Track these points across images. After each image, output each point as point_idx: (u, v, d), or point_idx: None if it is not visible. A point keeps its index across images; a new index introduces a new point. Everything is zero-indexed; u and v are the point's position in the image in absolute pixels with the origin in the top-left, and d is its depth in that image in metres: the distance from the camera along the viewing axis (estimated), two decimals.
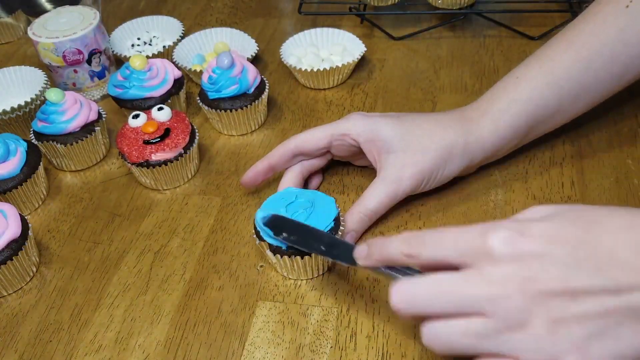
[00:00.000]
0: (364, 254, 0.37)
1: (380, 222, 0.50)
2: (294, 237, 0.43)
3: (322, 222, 0.45)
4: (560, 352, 0.30)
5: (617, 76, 0.48)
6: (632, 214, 0.31)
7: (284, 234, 0.43)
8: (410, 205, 0.51)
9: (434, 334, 0.32)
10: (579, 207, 0.33)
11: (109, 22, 0.81)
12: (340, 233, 0.46)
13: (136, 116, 0.56)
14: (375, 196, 0.48)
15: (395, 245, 0.34)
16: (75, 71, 0.66)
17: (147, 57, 0.67)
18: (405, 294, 0.32)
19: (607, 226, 0.31)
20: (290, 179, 0.52)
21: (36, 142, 0.59)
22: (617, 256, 0.30)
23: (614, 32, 0.47)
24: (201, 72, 0.66)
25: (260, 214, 0.45)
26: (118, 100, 0.63)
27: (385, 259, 0.36)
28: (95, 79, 0.68)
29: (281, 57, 0.66)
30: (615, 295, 0.29)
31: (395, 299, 0.32)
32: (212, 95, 0.60)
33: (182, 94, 0.64)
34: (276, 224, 0.44)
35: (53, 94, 0.57)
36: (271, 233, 0.44)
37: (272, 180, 0.56)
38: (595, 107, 0.52)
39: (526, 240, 0.30)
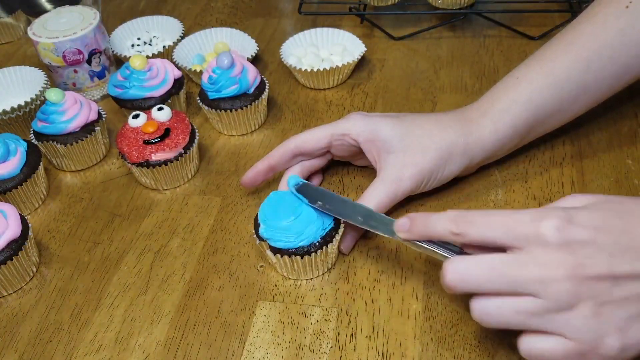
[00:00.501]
0: (406, 227, 0.39)
1: None
2: (330, 206, 0.44)
3: (322, 222, 0.45)
4: (604, 332, 0.32)
5: (617, 76, 0.48)
6: None
7: (319, 202, 0.44)
8: (410, 205, 0.51)
9: (485, 310, 0.35)
10: (614, 197, 0.35)
11: (109, 22, 0.81)
12: (340, 233, 0.46)
13: (136, 116, 0.56)
14: (375, 196, 0.47)
15: (443, 222, 0.36)
16: (75, 71, 0.66)
17: (147, 57, 0.67)
18: (459, 272, 0.35)
19: None
20: None
21: (36, 142, 0.59)
22: None
23: (614, 32, 0.47)
24: (201, 72, 0.66)
25: (293, 181, 0.46)
26: (118, 100, 0.63)
27: (429, 235, 0.38)
28: (95, 79, 0.68)
29: (281, 57, 0.66)
30: None
31: (449, 277, 0.35)
32: (212, 95, 0.60)
33: (182, 94, 0.64)
34: (309, 192, 0.45)
35: (53, 94, 0.57)
36: (306, 200, 0.45)
37: (272, 180, 0.56)
38: (595, 107, 0.52)
39: (575, 228, 0.33)
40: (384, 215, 0.43)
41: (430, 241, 0.39)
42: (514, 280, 0.33)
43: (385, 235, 0.42)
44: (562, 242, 0.33)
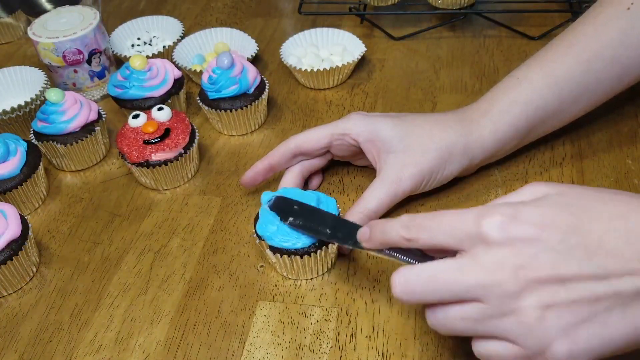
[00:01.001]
0: (366, 236, 0.38)
1: None
2: (300, 222, 0.44)
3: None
4: (550, 337, 0.31)
5: (618, 78, 0.48)
6: (625, 201, 0.32)
7: (291, 219, 0.44)
8: (410, 206, 0.51)
9: (435, 319, 0.34)
10: (574, 190, 0.33)
11: (109, 22, 0.81)
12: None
13: (136, 116, 0.56)
14: (375, 196, 0.47)
15: (396, 229, 0.35)
16: (75, 71, 0.66)
17: (147, 57, 0.67)
18: (404, 284, 0.34)
19: (598, 214, 0.31)
20: (290, 179, 0.52)
21: (36, 142, 0.59)
22: (606, 244, 0.30)
23: (615, 34, 0.47)
24: (201, 72, 0.66)
25: (266, 198, 0.45)
26: (118, 100, 0.63)
27: (386, 242, 0.37)
28: (95, 79, 0.68)
29: (281, 57, 0.66)
30: (604, 282, 0.30)
31: (396, 290, 0.34)
32: (212, 95, 0.60)
33: (182, 94, 0.64)
34: (282, 207, 0.45)
35: (53, 94, 0.57)
36: (278, 218, 0.44)
37: (272, 180, 0.56)
38: (595, 107, 0.52)
39: (519, 225, 0.31)
40: (354, 223, 0.42)
41: (395, 248, 0.37)
42: (455, 288, 0.32)
43: (352, 248, 0.41)
44: (504, 241, 0.31)
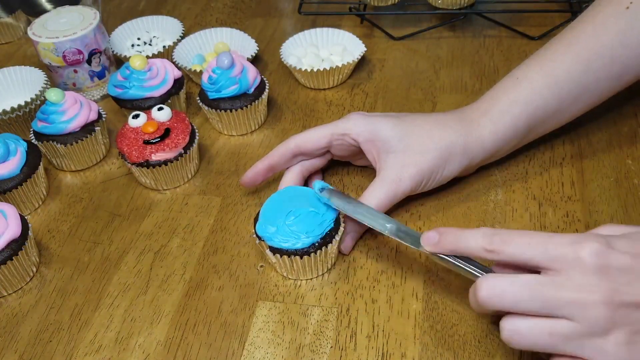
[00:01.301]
0: (434, 240, 0.39)
1: None
2: (359, 214, 0.44)
3: (321, 222, 0.45)
4: None
5: (617, 77, 0.48)
6: None
7: (348, 207, 0.45)
8: (410, 205, 0.51)
9: (517, 330, 0.34)
10: None
11: (109, 22, 0.81)
12: (339, 234, 0.46)
13: (136, 116, 0.56)
14: (375, 196, 0.47)
15: (476, 238, 0.36)
16: (75, 71, 0.66)
17: (147, 57, 0.67)
18: (495, 289, 0.34)
19: None
20: (290, 179, 0.52)
21: (36, 142, 0.59)
22: None
23: (614, 33, 0.47)
24: (201, 72, 0.66)
25: (318, 185, 0.46)
26: (118, 100, 0.63)
27: (459, 250, 0.38)
28: (95, 79, 0.68)
29: (281, 57, 0.66)
30: None
31: (484, 293, 0.35)
32: (212, 95, 0.60)
33: (182, 94, 0.64)
34: (335, 196, 0.45)
35: (53, 94, 0.57)
36: (333, 204, 0.45)
37: (272, 180, 0.56)
38: (595, 107, 0.52)
39: (614, 254, 0.33)
40: (409, 228, 0.43)
41: (456, 256, 0.39)
42: (550, 301, 0.33)
43: (410, 246, 0.42)
44: (600, 267, 0.33)
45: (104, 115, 0.61)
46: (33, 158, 0.56)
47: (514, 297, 0.34)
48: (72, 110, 0.58)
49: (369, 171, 0.55)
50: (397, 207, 0.50)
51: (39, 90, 0.64)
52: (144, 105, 0.61)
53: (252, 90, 0.60)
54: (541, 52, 0.50)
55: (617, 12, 0.47)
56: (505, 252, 0.35)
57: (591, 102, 0.50)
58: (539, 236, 0.35)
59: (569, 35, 0.49)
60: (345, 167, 0.56)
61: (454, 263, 0.39)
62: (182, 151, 0.55)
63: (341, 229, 0.46)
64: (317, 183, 0.46)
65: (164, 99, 0.62)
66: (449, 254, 0.39)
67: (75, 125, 0.58)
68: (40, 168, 0.56)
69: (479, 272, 0.38)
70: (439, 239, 0.39)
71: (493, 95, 0.50)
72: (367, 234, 0.50)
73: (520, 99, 0.48)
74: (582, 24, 0.49)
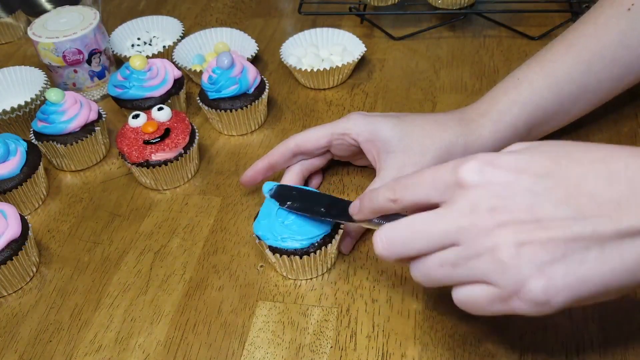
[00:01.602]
0: (356, 209, 0.39)
1: None
2: (297, 204, 0.44)
3: (321, 222, 0.45)
4: (525, 275, 0.30)
5: (618, 78, 0.48)
6: (605, 149, 0.32)
7: (288, 203, 0.45)
8: None
9: (418, 270, 0.34)
10: (557, 142, 0.33)
11: (109, 22, 0.81)
12: (339, 234, 0.46)
13: (136, 116, 0.56)
14: None
15: (382, 193, 0.36)
16: (75, 71, 0.66)
17: (147, 57, 0.67)
18: (385, 240, 0.34)
19: (578, 159, 0.31)
20: (290, 179, 0.52)
21: (36, 142, 0.59)
22: (585, 187, 0.30)
23: (616, 34, 0.47)
24: (201, 72, 0.66)
25: (267, 187, 0.46)
26: (118, 100, 0.63)
27: (374, 209, 0.37)
28: (95, 79, 0.68)
29: (281, 57, 0.66)
30: (581, 223, 0.30)
31: (378, 247, 0.34)
32: (212, 95, 0.60)
33: (182, 94, 0.64)
34: (281, 193, 0.45)
35: (53, 94, 0.57)
36: (277, 204, 0.45)
37: (271, 179, 0.56)
38: (596, 108, 0.52)
39: (495, 170, 0.31)
40: (348, 200, 0.43)
41: (385, 217, 0.38)
42: (433, 235, 0.32)
43: (349, 223, 0.42)
44: (480, 184, 0.31)
45: (104, 115, 0.61)
46: (33, 158, 0.56)
47: (403, 242, 0.33)
48: (72, 110, 0.58)
49: (369, 171, 0.55)
50: None
51: (39, 90, 0.64)
52: (144, 105, 0.61)
53: (252, 90, 0.60)
54: (542, 53, 0.50)
55: (619, 13, 0.47)
56: (405, 199, 0.35)
57: (592, 103, 0.50)
58: (428, 172, 0.34)
59: (570, 36, 0.49)
60: (345, 167, 0.56)
61: (378, 224, 0.38)
62: (182, 151, 0.55)
63: (341, 229, 0.46)
64: (266, 186, 0.46)
65: (164, 99, 0.62)
66: (375, 217, 0.38)
67: (75, 125, 0.57)
68: (40, 168, 0.56)
69: None
70: (359, 205, 0.39)
71: (493, 95, 0.50)
72: (368, 233, 0.50)
73: (520, 100, 0.48)
74: (584, 25, 0.49)
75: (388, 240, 0.34)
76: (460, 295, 0.33)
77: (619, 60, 0.47)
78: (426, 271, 0.33)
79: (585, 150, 0.32)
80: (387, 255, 0.34)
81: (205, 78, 0.60)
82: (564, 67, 0.48)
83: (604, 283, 0.30)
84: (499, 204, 0.31)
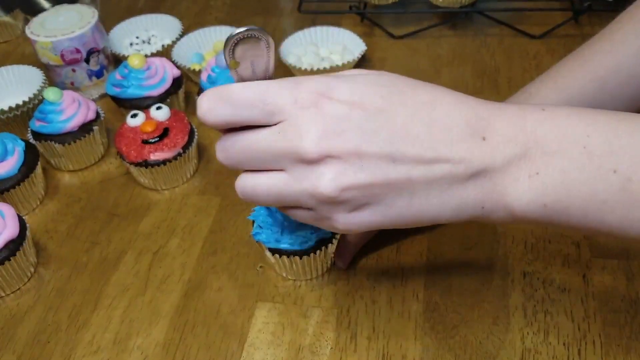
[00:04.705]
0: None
1: None
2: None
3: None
4: (338, 212, 0.32)
5: (633, 97, 0.46)
6: (433, 91, 0.33)
7: None
8: None
9: (243, 185, 0.34)
10: (393, 76, 0.34)
11: (108, 20, 0.81)
12: (337, 236, 0.45)
13: (134, 115, 0.56)
14: None
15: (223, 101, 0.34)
16: (74, 70, 0.66)
17: (146, 56, 0.67)
18: (221, 149, 0.34)
19: (406, 100, 0.32)
20: None
21: (34, 142, 0.58)
22: (409, 130, 0.31)
23: (633, 51, 0.45)
24: (200, 71, 0.66)
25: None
26: (116, 100, 0.62)
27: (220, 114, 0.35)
28: (94, 78, 0.67)
29: (281, 56, 0.66)
30: (400, 166, 0.31)
31: (217, 155, 0.34)
32: None
33: (181, 93, 0.64)
34: None
35: (51, 93, 0.57)
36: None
37: None
38: None
39: (330, 101, 0.31)
40: None
41: None
42: (264, 155, 0.32)
43: None
44: (313, 115, 0.31)
45: (102, 115, 0.61)
46: (31, 158, 0.55)
47: (237, 156, 0.33)
48: (70, 109, 0.57)
49: None
50: None
51: (37, 90, 0.64)
52: (143, 104, 0.61)
53: None
54: (556, 68, 0.49)
55: (637, 30, 0.45)
56: (243, 114, 0.33)
57: None
58: (257, 86, 0.32)
59: (586, 52, 0.48)
60: None
61: None
62: (181, 151, 0.55)
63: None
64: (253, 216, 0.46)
65: (162, 98, 0.61)
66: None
67: (73, 124, 0.57)
68: (38, 168, 0.56)
69: None
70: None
71: None
72: (367, 245, 0.49)
73: None
74: (600, 40, 0.47)
75: (224, 150, 0.34)
76: (286, 212, 0.35)
77: (634, 78, 0.46)
78: (252, 191, 0.34)
79: (414, 89, 0.33)
80: (225, 164, 0.34)
81: (204, 77, 0.60)
82: (578, 84, 0.47)
83: (404, 223, 0.33)
84: (329, 138, 0.31)
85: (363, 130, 0.31)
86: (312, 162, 0.31)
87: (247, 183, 0.34)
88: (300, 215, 0.34)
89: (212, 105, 0.33)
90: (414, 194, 0.31)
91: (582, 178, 0.30)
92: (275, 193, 0.33)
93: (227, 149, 0.34)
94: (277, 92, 0.32)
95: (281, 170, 0.33)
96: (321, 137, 0.31)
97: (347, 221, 0.33)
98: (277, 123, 0.32)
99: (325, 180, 0.31)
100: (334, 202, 0.32)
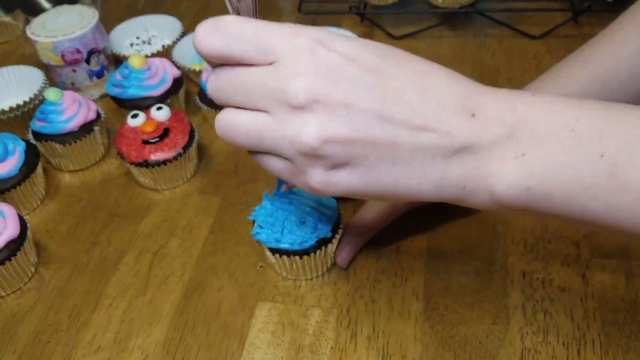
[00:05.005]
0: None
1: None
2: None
3: (319, 222, 0.44)
4: (317, 165, 0.31)
5: (635, 98, 0.46)
6: (429, 64, 0.32)
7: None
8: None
9: (223, 121, 0.33)
10: (387, 45, 0.33)
11: (108, 21, 0.81)
12: (339, 233, 0.45)
13: (135, 116, 0.56)
14: (376, 207, 0.47)
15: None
16: (74, 70, 0.66)
17: (146, 56, 0.67)
18: (212, 81, 0.33)
19: (402, 66, 0.31)
20: None
21: (35, 142, 0.58)
22: (402, 94, 0.30)
23: (634, 50, 0.45)
24: (200, 71, 0.66)
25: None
26: (117, 100, 0.62)
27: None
28: (94, 78, 0.67)
29: None
30: (387, 127, 0.30)
31: (208, 86, 0.33)
32: None
33: (181, 93, 0.64)
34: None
35: (52, 94, 0.57)
36: (275, 204, 0.44)
37: (271, 179, 0.55)
38: None
39: (328, 51, 0.30)
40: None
41: None
42: (251, 91, 0.31)
43: None
44: (310, 62, 0.30)
45: (102, 115, 0.61)
46: (32, 158, 0.55)
47: (226, 88, 0.32)
48: (70, 109, 0.57)
49: None
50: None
51: (38, 90, 0.64)
52: (143, 104, 0.61)
53: None
54: (556, 68, 0.49)
55: (638, 31, 0.45)
56: (240, 49, 0.32)
57: None
58: (256, 22, 0.32)
59: (587, 52, 0.47)
60: None
61: None
62: (181, 151, 0.55)
63: (340, 228, 0.46)
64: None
65: (163, 99, 0.61)
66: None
67: (73, 124, 0.57)
68: (39, 168, 0.56)
69: None
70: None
71: None
72: (367, 245, 0.49)
73: None
74: (601, 40, 0.47)
75: (215, 79, 0.33)
76: (258, 159, 0.33)
77: (635, 78, 0.46)
78: (230, 129, 0.33)
79: (411, 60, 0.32)
80: (213, 97, 0.33)
81: (204, 77, 0.60)
82: (578, 84, 0.46)
83: (382, 192, 0.32)
84: (320, 85, 0.30)
85: (355, 83, 0.30)
86: (298, 107, 0.30)
87: (227, 118, 0.33)
88: (274, 166, 0.33)
89: (208, 34, 0.32)
90: (396, 161, 0.31)
91: (569, 161, 0.30)
92: (254, 134, 0.32)
93: (217, 79, 0.33)
94: (275, 31, 0.31)
95: (265, 112, 0.31)
96: (312, 82, 0.30)
97: (323, 179, 0.31)
98: (270, 64, 0.31)
99: (309, 128, 0.30)
100: (314, 154, 0.30)
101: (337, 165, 0.31)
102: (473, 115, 0.31)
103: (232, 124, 0.33)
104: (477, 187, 0.31)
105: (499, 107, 0.31)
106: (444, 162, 0.31)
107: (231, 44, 0.32)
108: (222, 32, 0.32)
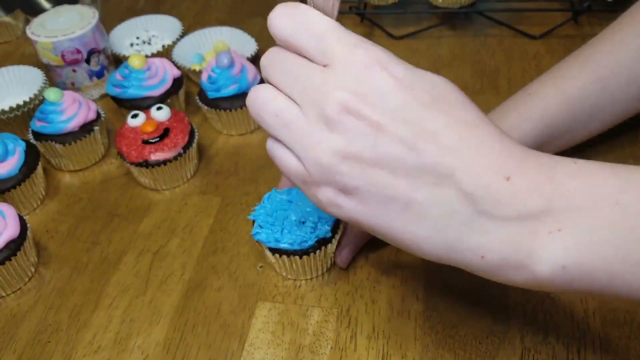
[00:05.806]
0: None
1: None
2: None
3: (319, 222, 0.44)
4: (326, 185, 0.30)
5: (634, 98, 0.46)
6: (484, 118, 0.31)
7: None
8: None
9: (255, 95, 0.32)
10: (452, 89, 0.32)
11: (108, 21, 0.81)
12: (338, 233, 0.45)
13: (135, 116, 0.56)
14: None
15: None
16: (74, 70, 0.66)
17: (146, 56, 0.67)
18: (270, 52, 0.33)
19: (454, 112, 0.30)
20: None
21: (35, 142, 0.58)
22: (439, 137, 0.29)
23: (633, 51, 0.45)
24: (200, 71, 0.66)
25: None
26: (117, 100, 0.63)
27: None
28: (94, 78, 0.67)
29: None
30: (409, 160, 0.29)
31: (263, 55, 0.33)
32: (211, 94, 0.59)
33: (181, 93, 0.64)
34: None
35: (52, 94, 0.57)
36: (275, 204, 0.44)
37: (271, 179, 0.55)
38: (609, 127, 0.50)
39: (381, 71, 0.30)
40: None
41: None
42: (295, 79, 0.31)
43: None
44: (360, 73, 0.30)
45: (102, 115, 0.61)
46: (32, 158, 0.55)
47: (274, 64, 0.32)
48: (70, 109, 0.57)
49: None
50: None
51: (38, 90, 0.64)
52: (143, 104, 0.61)
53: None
54: (556, 68, 0.49)
55: (637, 31, 0.45)
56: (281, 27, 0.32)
57: (606, 122, 0.48)
58: (331, 22, 0.31)
59: (587, 52, 0.47)
60: None
61: None
62: (181, 151, 0.55)
63: (340, 228, 0.46)
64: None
65: (163, 99, 0.61)
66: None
67: (73, 124, 0.57)
68: (39, 168, 0.56)
69: None
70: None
71: (503, 110, 0.48)
72: (367, 245, 0.49)
73: (531, 116, 0.47)
74: (601, 41, 0.47)
75: (270, 54, 0.33)
76: (274, 149, 0.32)
77: (635, 78, 0.46)
78: (261, 104, 0.32)
79: (463, 108, 0.31)
80: (262, 66, 0.33)
81: (204, 77, 0.60)
82: (578, 85, 0.46)
83: (385, 232, 0.30)
84: (358, 101, 0.29)
85: (395, 110, 0.29)
86: (330, 116, 0.29)
87: (264, 94, 0.32)
88: (288, 162, 0.32)
89: (283, 17, 0.32)
90: (410, 204, 0.29)
91: (611, 237, 0.27)
92: (281, 121, 0.31)
93: (274, 54, 0.32)
94: (340, 37, 0.31)
95: (299, 105, 0.31)
96: (352, 97, 0.29)
97: (330, 197, 0.30)
98: (325, 66, 0.31)
99: (333, 139, 0.29)
100: (329, 169, 0.30)
101: (349, 189, 0.30)
102: (508, 178, 0.28)
103: (265, 100, 0.32)
104: (501, 262, 0.29)
105: (536, 173, 0.29)
106: (464, 223, 0.28)
107: (299, 34, 0.31)
108: (296, 21, 0.31)
